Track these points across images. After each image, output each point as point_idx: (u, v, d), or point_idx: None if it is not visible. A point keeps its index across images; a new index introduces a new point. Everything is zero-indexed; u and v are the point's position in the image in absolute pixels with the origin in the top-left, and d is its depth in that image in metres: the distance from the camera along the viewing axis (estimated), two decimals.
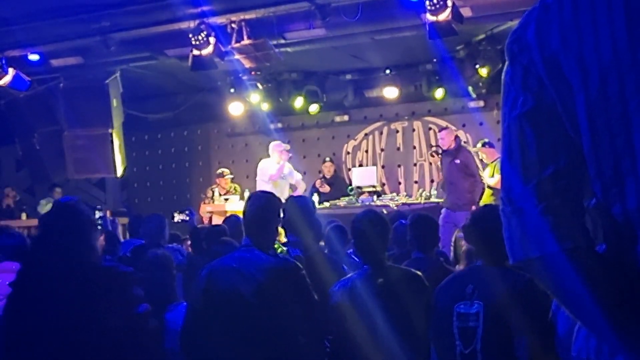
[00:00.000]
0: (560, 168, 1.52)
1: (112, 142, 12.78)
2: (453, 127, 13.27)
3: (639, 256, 1.46)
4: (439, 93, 12.89)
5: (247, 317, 4.36)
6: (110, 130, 12.74)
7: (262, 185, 11.72)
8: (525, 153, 1.54)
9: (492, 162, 11.14)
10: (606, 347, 1.51)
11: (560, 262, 1.48)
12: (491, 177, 11.02)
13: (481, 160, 11.91)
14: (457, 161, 11.22)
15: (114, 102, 12.70)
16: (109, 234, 8.04)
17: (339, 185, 13.38)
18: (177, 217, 11.45)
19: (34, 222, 13.34)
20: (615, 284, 1.46)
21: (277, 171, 12.01)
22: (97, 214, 10.47)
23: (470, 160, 11.33)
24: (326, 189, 13.23)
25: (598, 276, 1.46)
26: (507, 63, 1.61)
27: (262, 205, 4.68)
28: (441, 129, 12.87)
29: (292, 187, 12.42)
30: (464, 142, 12.98)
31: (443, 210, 10.89)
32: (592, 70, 1.46)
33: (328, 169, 13.78)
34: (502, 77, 1.61)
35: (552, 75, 1.51)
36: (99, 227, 9.69)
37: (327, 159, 13.97)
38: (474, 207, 10.56)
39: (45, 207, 13.70)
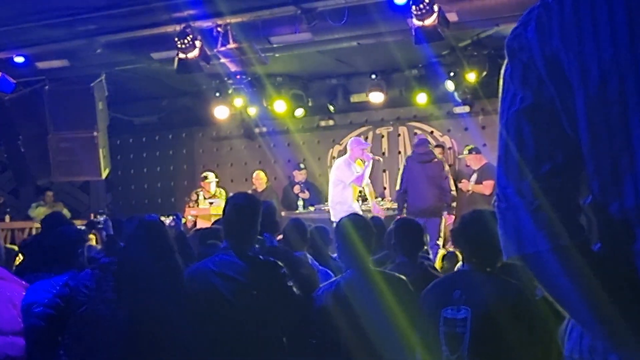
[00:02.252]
0: (557, 165, 1.53)
1: (96, 145, 12.72)
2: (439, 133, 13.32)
3: (635, 254, 1.46)
4: (424, 98, 12.86)
5: (229, 319, 4.36)
6: (95, 133, 12.67)
7: (337, 188, 10.85)
8: (523, 149, 1.54)
9: (479, 168, 11.18)
10: (600, 346, 1.51)
11: (555, 259, 1.49)
12: (477, 183, 11.06)
13: (467, 166, 11.93)
14: None
15: (99, 105, 12.64)
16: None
17: (314, 190, 13.69)
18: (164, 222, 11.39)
19: (18, 224, 13.36)
20: (610, 281, 1.46)
21: (360, 176, 10.78)
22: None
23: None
24: (306, 195, 13.44)
25: (592, 274, 1.47)
26: (506, 60, 1.61)
27: (241, 207, 4.65)
28: None
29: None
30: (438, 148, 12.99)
31: None
32: (592, 68, 1.47)
33: (303, 176, 13.89)
34: (502, 74, 1.62)
35: (552, 73, 1.53)
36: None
37: (302, 166, 14.04)
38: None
39: (36, 210, 13.64)
